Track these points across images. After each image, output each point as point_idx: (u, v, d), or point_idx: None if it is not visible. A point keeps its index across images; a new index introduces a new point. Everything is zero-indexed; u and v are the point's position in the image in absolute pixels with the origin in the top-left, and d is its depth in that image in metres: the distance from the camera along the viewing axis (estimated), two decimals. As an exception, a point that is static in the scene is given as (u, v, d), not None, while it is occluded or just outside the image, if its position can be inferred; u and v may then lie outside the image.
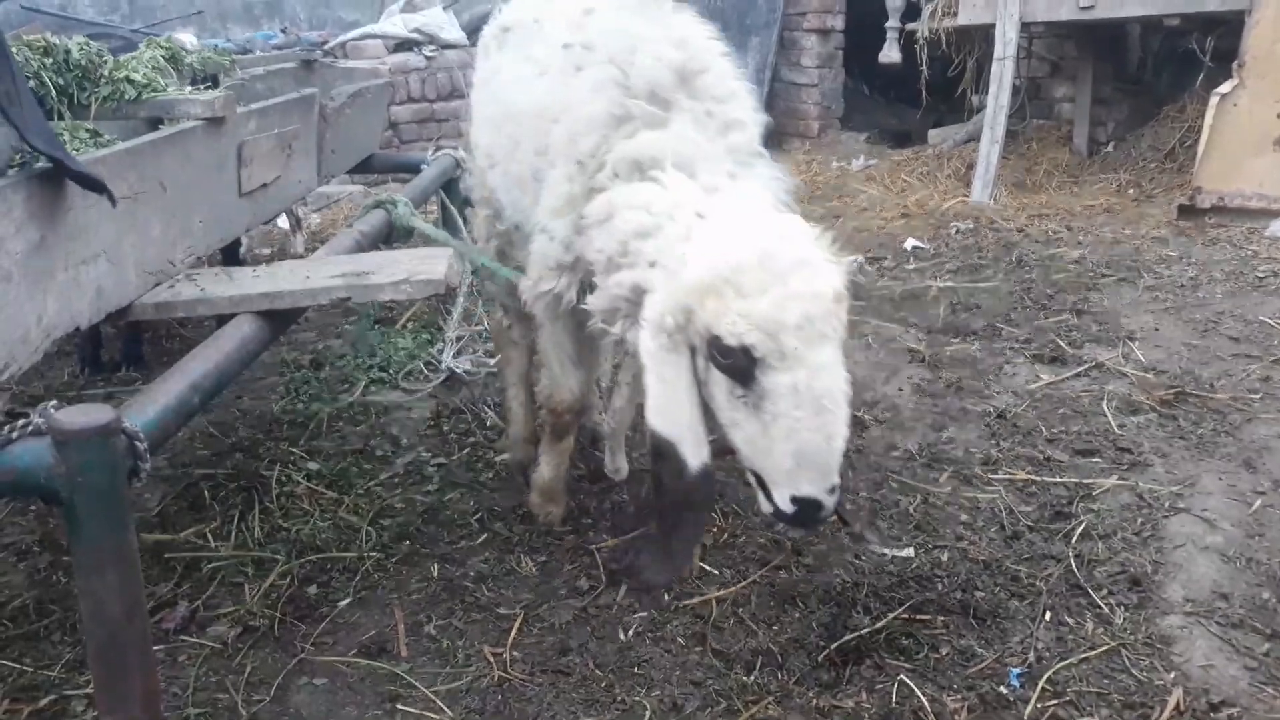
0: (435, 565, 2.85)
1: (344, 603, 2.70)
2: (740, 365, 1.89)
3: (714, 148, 2.21)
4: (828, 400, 1.86)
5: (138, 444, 1.72)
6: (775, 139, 9.72)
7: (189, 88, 3.29)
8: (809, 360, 1.85)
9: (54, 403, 1.69)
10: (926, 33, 7.91)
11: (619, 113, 2.25)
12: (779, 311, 1.85)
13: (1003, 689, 2.31)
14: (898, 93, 10.17)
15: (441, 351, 4.36)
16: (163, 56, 3.27)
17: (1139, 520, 2.98)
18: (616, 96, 2.26)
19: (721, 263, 1.91)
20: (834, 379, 1.89)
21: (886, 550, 2.87)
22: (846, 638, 2.48)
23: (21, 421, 1.68)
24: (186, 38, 3.80)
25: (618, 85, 2.27)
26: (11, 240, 1.97)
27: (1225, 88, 6.06)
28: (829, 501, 1.92)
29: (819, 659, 2.43)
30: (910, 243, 6.17)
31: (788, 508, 1.93)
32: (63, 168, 2.05)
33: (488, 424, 3.78)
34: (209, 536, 2.98)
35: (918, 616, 2.57)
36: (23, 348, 2.03)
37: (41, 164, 2.09)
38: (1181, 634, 2.49)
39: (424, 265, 2.62)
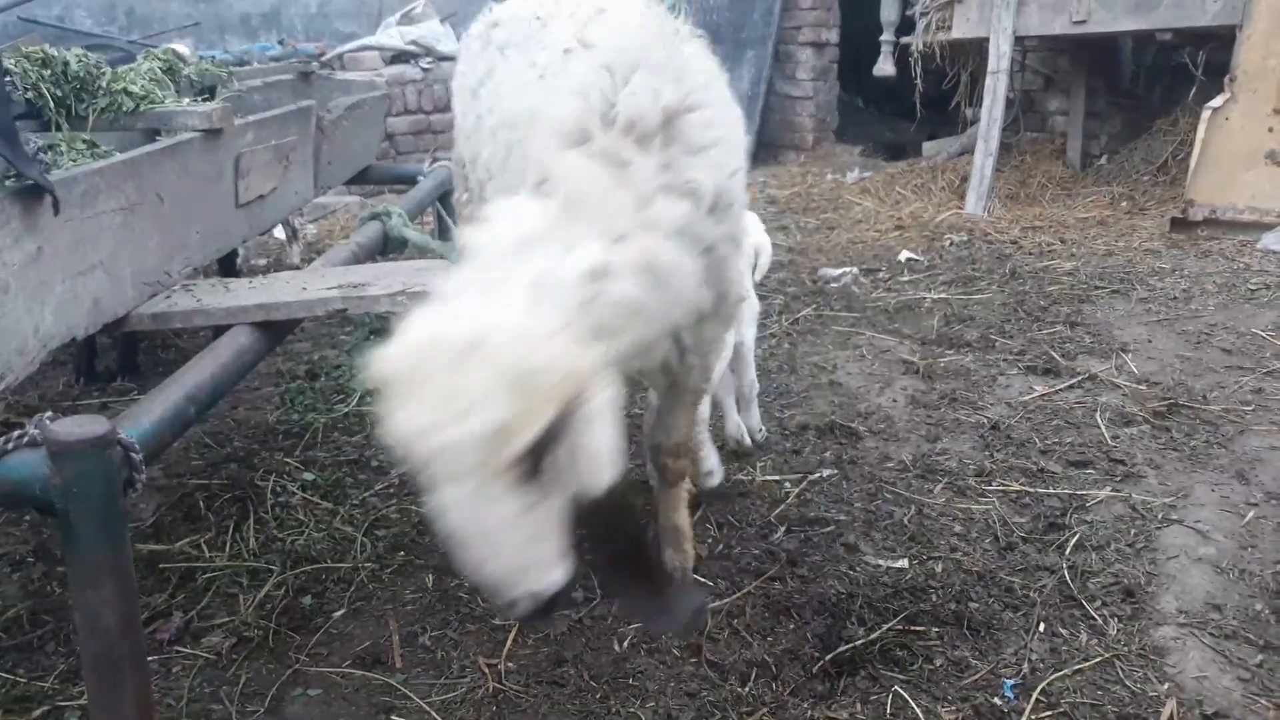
0: (430, 576, 2.85)
1: (338, 613, 2.69)
2: None
3: (626, 201, 1.90)
4: (461, 535, 1.59)
5: (133, 455, 1.72)
6: (771, 151, 9.79)
7: (186, 99, 3.30)
8: (441, 494, 1.56)
9: (49, 414, 1.70)
10: (921, 46, 7.96)
11: (578, 132, 2.00)
12: (408, 437, 1.53)
13: (997, 700, 2.32)
14: (892, 106, 10.22)
15: (437, 362, 4.35)
16: (160, 68, 3.29)
17: (1132, 532, 2.99)
18: (594, 113, 2.01)
19: (397, 351, 1.57)
20: (463, 518, 1.57)
21: (881, 562, 2.88)
22: (841, 649, 2.49)
23: (17, 433, 1.68)
24: (180, 48, 3.81)
25: (602, 101, 2.04)
26: (9, 251, 1.97)
27: (1217, 101, 6.10)
28: (512, 610, 1.65)
29: (814, 670, 2.43)
30: (904, 255, 6.19)
31: None
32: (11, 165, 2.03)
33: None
34: (204, 547, 2.98)
35: (912, 628, 2.57)
36: (19, 358, 2.03)
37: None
38: (1175, 645, 2.49)
39: (420, 277, 2.63)
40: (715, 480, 3.27)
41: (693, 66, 2.21)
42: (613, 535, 1.78)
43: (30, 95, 2.77)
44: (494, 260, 1.73)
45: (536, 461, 1.54)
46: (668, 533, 2.83)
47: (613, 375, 1.65)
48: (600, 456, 1.62)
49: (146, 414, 1.89)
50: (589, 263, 1.74)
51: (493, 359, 1.50)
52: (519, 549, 1.60)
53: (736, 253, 2.33)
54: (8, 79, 2.66)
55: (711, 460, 3.28)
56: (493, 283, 1.68)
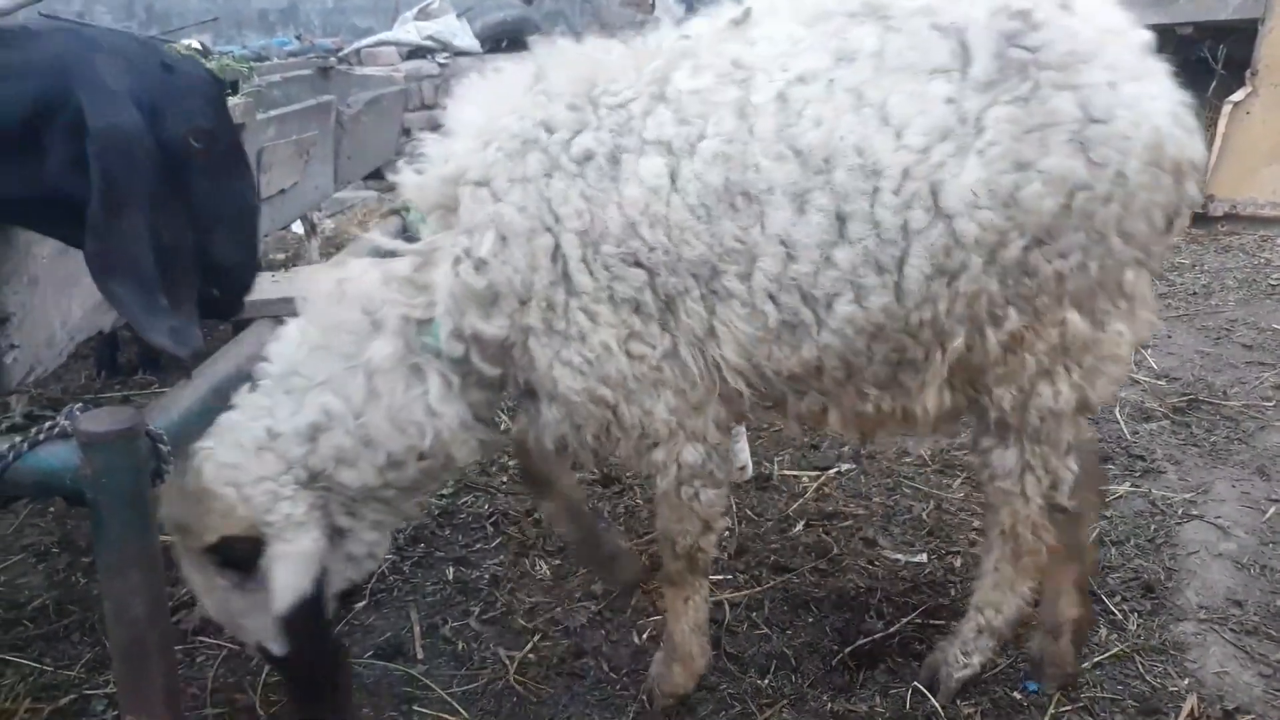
0: (450, 568, 2.87)
1: (360, 605, 2.71)
2: None
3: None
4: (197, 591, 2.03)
5: (161, 446, 1.73)
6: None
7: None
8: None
9: (79, 405, 1.72)
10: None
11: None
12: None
13: (1017, 694, 2.32)
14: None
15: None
16: (183, 64, 3.31)
17: (1152, 527, 2.98)
18: None
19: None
20: (190, 579, 1.99)
21: (900, 556, 2.88)
22: (860, 642, 2.49)
23: (48, 424, 1.70)
24: (195, 44, 3.82)
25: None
26: (38, 245, 2.00)
27: (1238, 96, 6.06)
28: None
29: (833, 663, 2.44)
30: (922, 249, 6.17)
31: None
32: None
33: (501, 428, 3.79)
34: (226, 539, 3.00)
35: (931, 621, 2.57)
36: (48, 350, 2.06)
37: None
38: (1195, 640, 2.49)
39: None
40: (748, 475, 3.32)
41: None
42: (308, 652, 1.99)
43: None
44: (267, 388, 1.96)
45: (239, 559, 1.89)
46: (664, 640, 2.34)
47: (320, 521, 1.92)
48: (275, 590, 1.87)
49: (174, 406, 1.91)
50: (308, 420, 1.92)
51: (202, 478, 1.86)
52: (236, 615, 1.97)
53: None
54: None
55: (744, 455, 3.31)
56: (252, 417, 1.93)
